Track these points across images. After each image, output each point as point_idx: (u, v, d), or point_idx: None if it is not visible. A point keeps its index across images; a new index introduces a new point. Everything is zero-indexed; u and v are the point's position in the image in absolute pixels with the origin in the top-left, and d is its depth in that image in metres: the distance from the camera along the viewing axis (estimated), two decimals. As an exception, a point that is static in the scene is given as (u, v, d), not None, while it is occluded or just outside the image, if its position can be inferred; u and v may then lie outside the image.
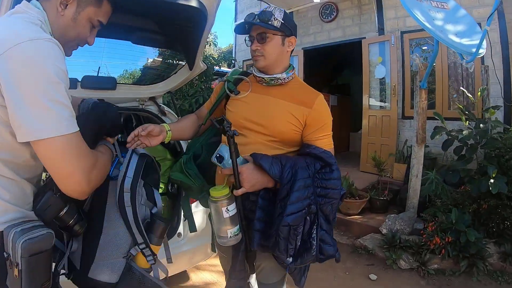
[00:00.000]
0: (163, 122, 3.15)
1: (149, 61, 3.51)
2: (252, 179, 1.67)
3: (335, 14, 8.24)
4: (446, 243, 4.00)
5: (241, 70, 2.09)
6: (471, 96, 4.77)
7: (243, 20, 1.86)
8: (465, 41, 3.95)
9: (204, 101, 6.74)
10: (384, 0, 7.28)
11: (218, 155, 1.71)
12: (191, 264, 3.43)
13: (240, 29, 1.91)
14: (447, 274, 3.96)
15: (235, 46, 11.10)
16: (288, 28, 1.84)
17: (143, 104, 3.19)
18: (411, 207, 4.75)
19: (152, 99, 3.23)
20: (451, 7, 4.38)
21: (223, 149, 1.70)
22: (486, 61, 5.81)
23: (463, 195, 4.57)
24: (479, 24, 5.41)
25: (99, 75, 3.12)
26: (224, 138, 1.81)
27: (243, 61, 10.62)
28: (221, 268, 3.74)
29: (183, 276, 3.87)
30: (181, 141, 3.15)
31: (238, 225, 1.67)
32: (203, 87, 7.30)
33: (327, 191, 1.70)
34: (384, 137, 7.15)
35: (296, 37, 1.92)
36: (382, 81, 7.38)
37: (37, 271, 1.22)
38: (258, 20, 1.79)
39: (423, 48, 6.85)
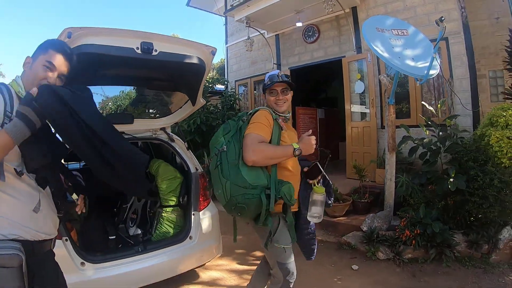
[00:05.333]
0: (173, 148, 3.98)
1: (159, 99, 4.29)
2: None
3: (317, 35, 8.98)
4: (416, 235, 4.58)
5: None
6: (432, 108, 5.43)
7: (269, 81, 2.73)
8: (420, 63, 4.53)
9: (201, 122, 7.53)
10: (360, 21, 7.97)
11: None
12: (200, 262, 4.08)
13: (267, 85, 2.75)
14: (420, 262, 4.52)
15: (227, 68, 11.75)
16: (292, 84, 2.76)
17: (156, 134, 3.98)
18: (388, 207, 5.38)
19: (163, 129, 4.02)
20: (410, 33, 4.95)
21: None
22: (455, 70, 6.45)
23: (431, 194, 5.17)
24: (447, 39, 6.21)
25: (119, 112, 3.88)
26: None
27: (235, 81, 11.31)
28: (226, 267, 4.67)
29: (193, 274, 4.46)
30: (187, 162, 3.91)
31: None
32: (200, 109, 7.93)
33: None
34: (366, 146, 7.79)
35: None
36: (362, 95, 8.02)
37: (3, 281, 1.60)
38: (281, 80, 2.67)
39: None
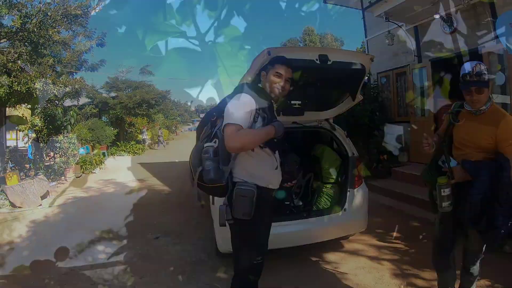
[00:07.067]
0: (335, 135, 4.91)
1: (325, 96, 5.10)
2: (458, 175, 2.81)
3: (455, 25, 8.82)
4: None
5: (458, 104, 3.10)
6: None
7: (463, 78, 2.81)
8: None
9: (347, 113, 8.29)
10: (497, 9, 7.65)
11: (441, 161, 3.03)
12: (348, 233, 4.99)
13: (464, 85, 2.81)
14: (543, 258, 4.38)
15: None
16: (489, 81, 2.79)
17: (320, 123, 4.94)
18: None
19: (326, 120, 4.97)
20: None
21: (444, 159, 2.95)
22: None
23: None
24: None
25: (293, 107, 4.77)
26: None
27: (377, 73, 11.75)
28: (367, 242, 5.35)
29: (339, 245, 5.27)
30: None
31: (451, 200, 2.81)
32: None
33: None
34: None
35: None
36: (502, 87, 7.84)
37: (240, 205, 2.59)
38: (475, 79, 2.71)
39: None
